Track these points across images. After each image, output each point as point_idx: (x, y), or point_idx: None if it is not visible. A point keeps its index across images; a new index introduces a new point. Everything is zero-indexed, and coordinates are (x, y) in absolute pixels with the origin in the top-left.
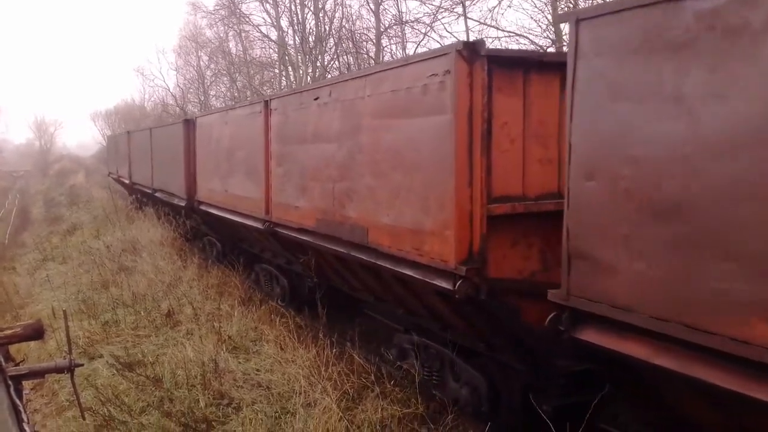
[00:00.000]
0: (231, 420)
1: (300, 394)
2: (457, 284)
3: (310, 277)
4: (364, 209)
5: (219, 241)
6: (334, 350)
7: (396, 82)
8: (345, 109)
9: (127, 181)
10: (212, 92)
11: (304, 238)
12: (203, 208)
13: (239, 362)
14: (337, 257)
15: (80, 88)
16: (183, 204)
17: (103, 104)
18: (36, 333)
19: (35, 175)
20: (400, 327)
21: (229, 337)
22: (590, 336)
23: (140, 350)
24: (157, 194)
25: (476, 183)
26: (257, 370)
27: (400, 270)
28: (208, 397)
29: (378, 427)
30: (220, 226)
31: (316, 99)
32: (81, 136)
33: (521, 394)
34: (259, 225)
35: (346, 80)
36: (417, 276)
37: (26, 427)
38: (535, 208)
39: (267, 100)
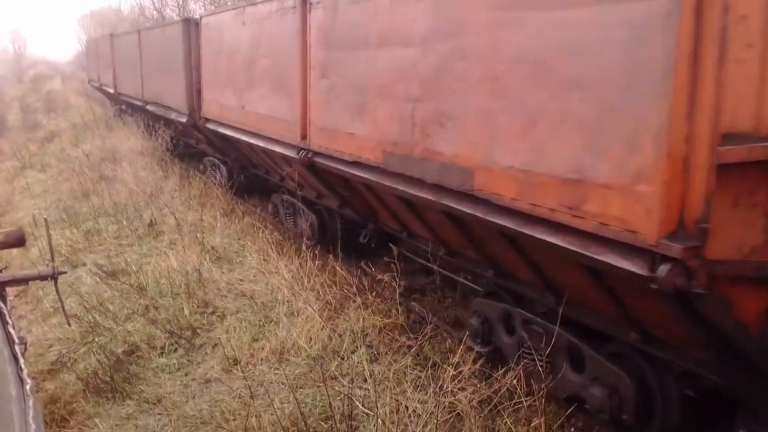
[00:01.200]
0: (215, 328)
1: (283, 303)
2: (661, 269)
3: (362, 224)
4: (469, 142)
5: (224, 163)
6: (317, 262)
7: None
8: None
9: (111, 91)
10: None
11: (362, 175)
12: (210, 126)
13: (223, 272)
14: (412, 204)
15: None
16: (183, 120)
17: (81, 8)
18: (18, 240)
19: (10, 81)
20: (480, 289)
21: (212, 248)
22: None
23: (123, 259)
24: (148, 107)
25: (702, 112)
26: (241, 280)
27: (533, 234)
28: (193, 306)
29: (359, 335)
30: (230, 148)
31: None
32: (57, 40)
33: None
34: (291, 153)
35: None
36: (571, 247)
37: (11, 330)
38: None
39: None
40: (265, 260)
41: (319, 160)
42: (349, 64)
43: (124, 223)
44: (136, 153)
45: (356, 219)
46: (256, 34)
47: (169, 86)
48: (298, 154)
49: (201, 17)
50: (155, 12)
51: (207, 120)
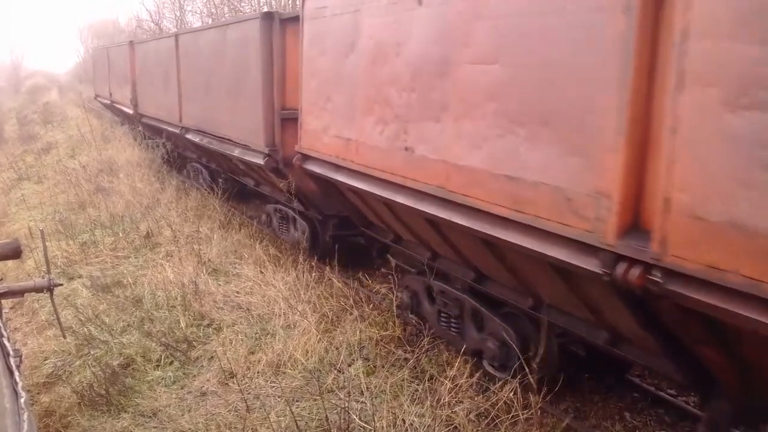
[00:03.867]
0: (212, 340)
1: (280, 316)
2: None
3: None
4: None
5: (320, 221)
6: (314, 274)
7: None
8: None
9: (128, 111)
10: (188, 7)
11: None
12: (317, 170)
13: (219, 284)
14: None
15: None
16: (259, 161)
17: (79, 20)
18: (13, 252)
19: (7, 92)
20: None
21: (209, 260)
22: None
23: (119, 271)
24: (190, 136)
25: None
26: (237, 292)
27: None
28: (189, 318)
29: (356, 347)
30: (342, 202)
31: None
32: (55, 52)
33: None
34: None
35: None
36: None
37: (6, 343)
38: None
39: None
40: (261, 272)
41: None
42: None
43: (121, 234)
44: (132, 165)
45: None
46: (452, 19)
47: (229, 109)
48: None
49: (303, 2)
50: (153, 24)
51: (307, 159)
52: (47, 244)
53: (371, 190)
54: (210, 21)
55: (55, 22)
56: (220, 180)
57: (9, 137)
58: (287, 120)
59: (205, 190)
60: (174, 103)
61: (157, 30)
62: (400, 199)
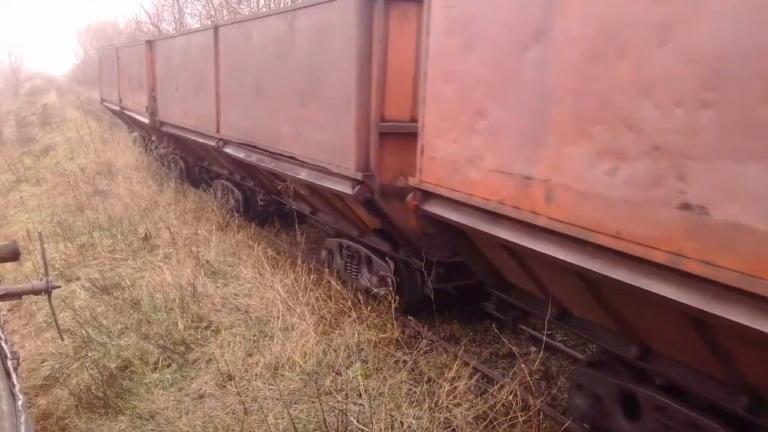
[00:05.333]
0: (210, 342)
1: (278, 318)
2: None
3: None
4: None
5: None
6: (312, 276)
7: None
8: None
9: (143, 119)
10: (187, 10)
11: None
12: (447, 215)
13: (217, 286)
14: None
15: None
16: (347, 190)
17: (78, 22)
18: (12, 254)
19: (6, 94)
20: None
21: (207, 262)
22: None
23: (117, 273)
24: (228, 150)
25: None
26: (235, 294)
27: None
28: (187, 320)
29: (354, 350)
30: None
31: None
32: (53, 54)
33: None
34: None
35: None
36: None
37: (4, 345)
38: None
39: None
40: (260, 274)
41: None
42: None
43: (119, 237)
44: (131, 167)
45: None
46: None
47: (296, 119)
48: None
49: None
50: (151, 26)
51: (431, 197)
52: (45, 246)
53: (585, 265)
54: (209, 23)
55: (53, 24)
56: (260, 201)
57: (7, 139)
58: (387, 136)
59: (236, 214)
60: (209, 111)
61: (156, 32)
62: (663, 290)
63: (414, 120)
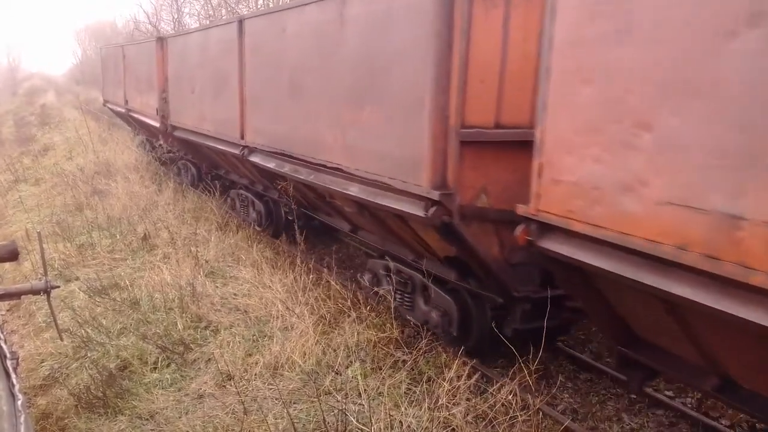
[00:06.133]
0: (209, 342)
1: (277, 318)
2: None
3: None
4: None
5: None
6: (311, 276)
7: None
8: None
9: (152, 123)
10: (186, 9)
11: None
12: (581, 258)
13: (216, 286)
14: None
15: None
16: (419, 213)
17: (76, 22)
18: (10, 254)
19: (4, 94)
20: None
21: (206, 262)
22: None
23: (116, 273)
24: (255, 159)
25: None
26: (235, 294)
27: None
28: (186, 320)
29: (354, 349)
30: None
31: None
32: (51, 54)
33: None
34: None
35: None
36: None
37: (3, 345)
38: None
39: None
40: (259, 274)
41: None
42: None
43: (118, 237)
44: (130, 167)
45: None
46: None
47: (342, 124)
48: None
49: None
50: (150, 26)
51: (552, 231)
52: (44, 246)
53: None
54: (207, 23)
55: (51, 24)
56: (286, 215)
57: (6, 139)
58: (468, 146)
59: (256, 226)
60: (231, 115)
61: (154, 32)
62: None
63: (499, 126)
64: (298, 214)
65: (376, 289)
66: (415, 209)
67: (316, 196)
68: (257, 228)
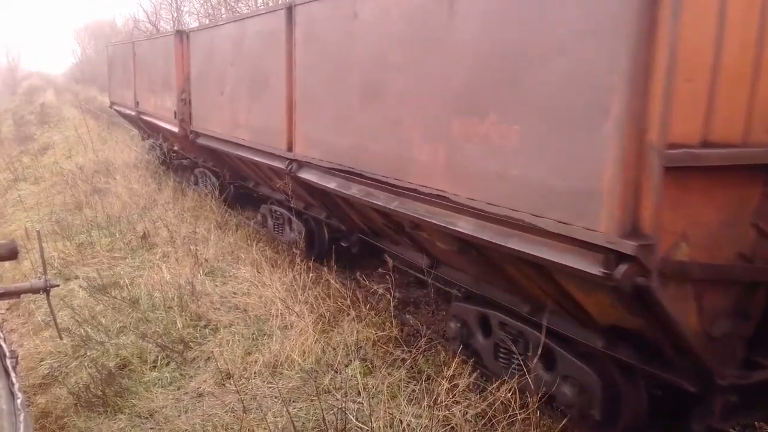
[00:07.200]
0: (208, 341)
1: (277, 316)
2: None
3: None
4: None
5: None
6: (311, 275)
7: None
8: None
9: (171, 128)
10: (185, 8)
11: None
12: None
13: (216, 285)
14: None
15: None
16: (596, 269)
17: (75, 21)
18: (10, 253)
19: (3, 93)
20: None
21: (206, 260)
22: None
23: (116, 272)
24: (307, 176)
25: None
26: (234, 293)
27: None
28: (186, 319)
29: (353, 348)
30: None
31: None
32: (51, 53)
33: None
34: None
35: None
36: None
37: (2, 344)
38: None
39: None
40: (258, 272)
41: None
42: None
43: (117, 235)
44: (129, 166)
45: None
46: None
47: (449, 138)
48: None
49: None
50: (150, 25)
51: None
52: (44, 244)
53: None
54: (207, 22)
55: (50, 23)
56: (331, 238)
57: (5, 138)
58: (672, 172)
59: (294, 249)
60: (274, 122)
61: (154, 31)
62: None
63: (707, 144)
64: (353, 241)
65: (466, 345)
66: (586, 264)
67: (388, 223)
68: (295, 251)
